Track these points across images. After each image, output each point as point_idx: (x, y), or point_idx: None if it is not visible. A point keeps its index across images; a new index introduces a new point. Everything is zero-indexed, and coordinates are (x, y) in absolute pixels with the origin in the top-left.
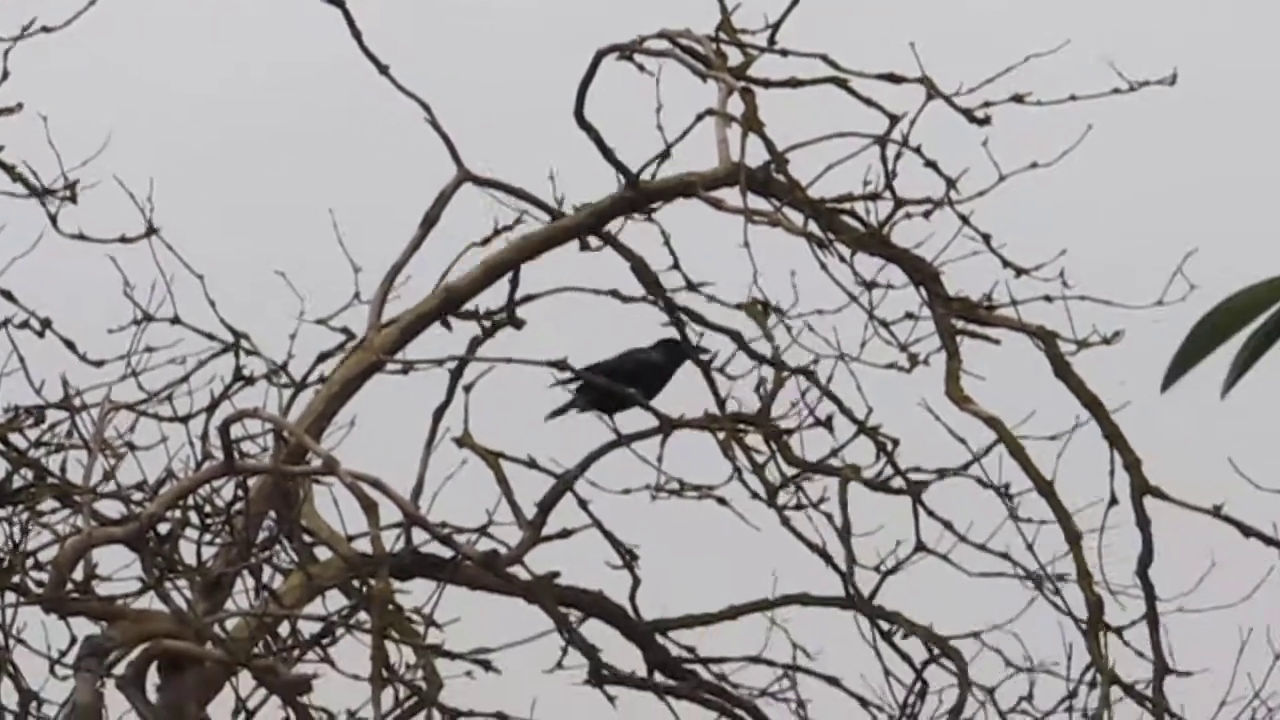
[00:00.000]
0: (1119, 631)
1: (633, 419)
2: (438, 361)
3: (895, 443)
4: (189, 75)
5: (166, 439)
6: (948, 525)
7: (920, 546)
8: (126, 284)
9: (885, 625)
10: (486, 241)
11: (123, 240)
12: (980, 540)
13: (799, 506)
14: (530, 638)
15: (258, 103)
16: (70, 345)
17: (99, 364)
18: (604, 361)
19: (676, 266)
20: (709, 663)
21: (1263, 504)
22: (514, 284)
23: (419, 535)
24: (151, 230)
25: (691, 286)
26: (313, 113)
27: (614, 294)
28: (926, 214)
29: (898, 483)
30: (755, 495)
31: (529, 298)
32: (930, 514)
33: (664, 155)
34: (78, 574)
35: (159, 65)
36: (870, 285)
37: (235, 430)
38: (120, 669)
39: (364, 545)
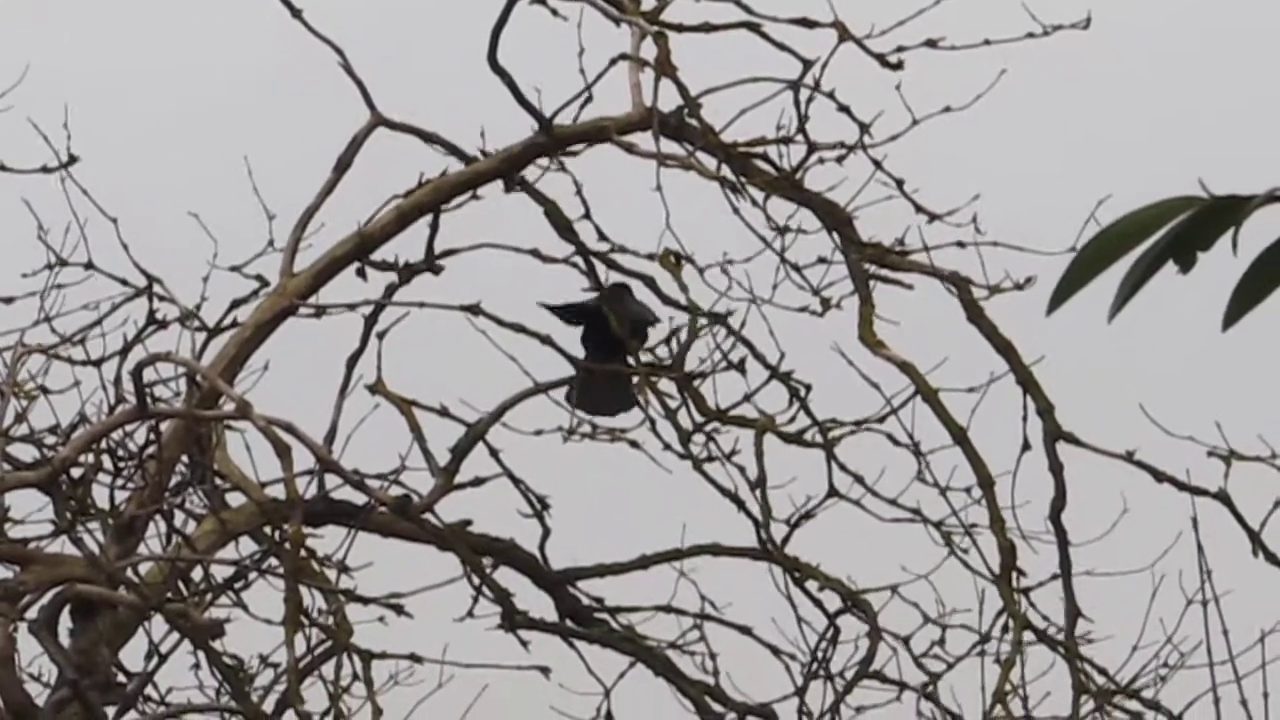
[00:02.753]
0: (1026, 593)
1: (548, 366)
2: (350, 305)
3: (808, 388)
4: (99, 20)
5: (79, 383)
6: (859, 479)
7: (832, 492)
8: (40, 228)
9: (798, 574)
10: (410, 194)
11: (44, 170)
12: (894, 490)
13: (710, 459)
14: (442, 582)
15: (170, 47)
16: None
17: (9, 300)
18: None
19: (588, 216)
20: (617, 612)
21: (1175, 451)
22: (433, 229)
23: (332, 481)
24: (72, 159)
25: (603, 237)
26: (226, 56)
27: (534, 253)
28: (840, 159)
29: (811, 435)
30: (668, 446)
31: (449, 252)
32: (842, 468)
33: (579, 100)
34: None
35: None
36: (783, 230)
37: (148, 374)
38: (32, 613)
39: (277, 490)
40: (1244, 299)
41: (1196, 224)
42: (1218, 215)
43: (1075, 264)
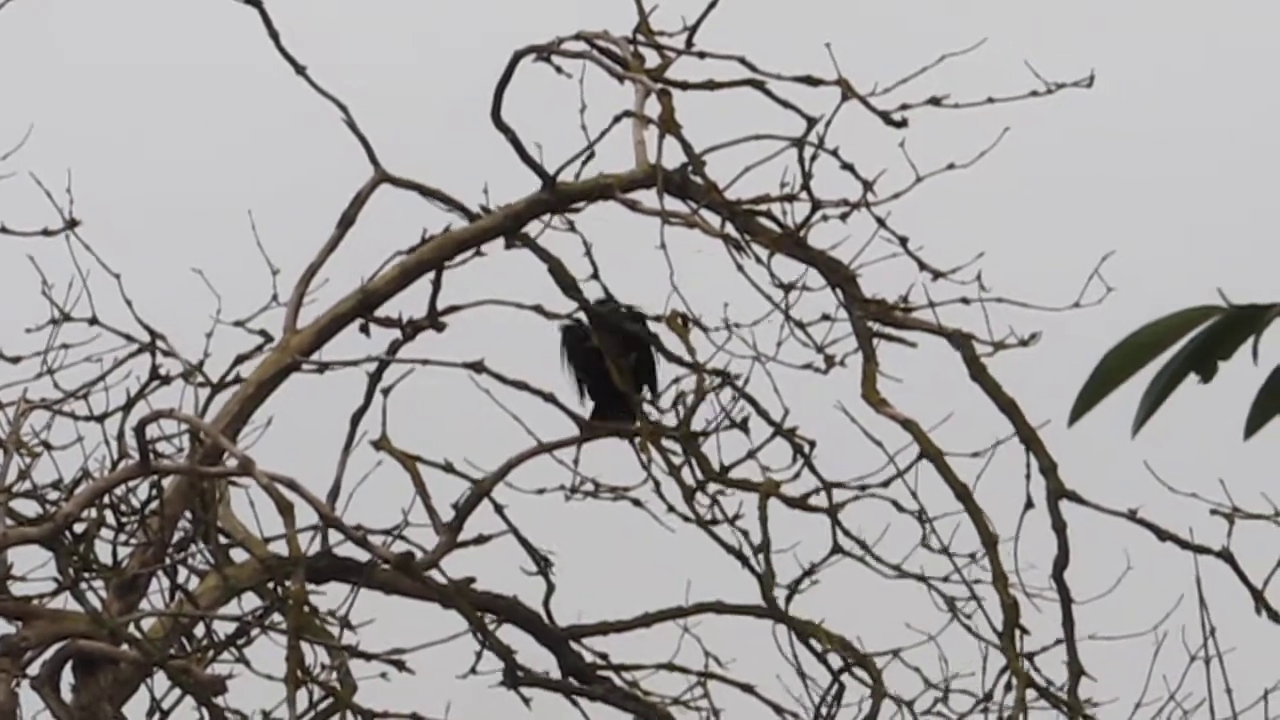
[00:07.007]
0: (1030, 657)
1: (551, 423)
2: (354, 362)
3: (812, 444)
4: (104, 71)
5: (82, 438)
6: (863, 545)
7: (836, 549)
8: (44, 283)
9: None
10: (413, 250)
11: (45, 233)
12: (897, 549)
13: (714, 521)
14: (445, 639)
15: (174, 103)
16: None
17: (15, 360)
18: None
19: (596, 277)
20: (621, 669)
21: (1178, 508)
22: (435, 285)
23: (335, 537)
24: (73, 223)
25: (610, 297)
26: (229, 113)
27: (538, 310)
28: (843, 216)
29: (816, 500)
30: (671, 508)
31: (452, 308)
32: (846, 533)
33: (583, 158)
34: None
35: (77, 56)
36: (787, 287)
37: (151, 430)
38: (35, 669)
39: (280, 547)
40: (1266, 408)
41: (1217, 334)
42: (1238, 324)
43: (1096, 375)
